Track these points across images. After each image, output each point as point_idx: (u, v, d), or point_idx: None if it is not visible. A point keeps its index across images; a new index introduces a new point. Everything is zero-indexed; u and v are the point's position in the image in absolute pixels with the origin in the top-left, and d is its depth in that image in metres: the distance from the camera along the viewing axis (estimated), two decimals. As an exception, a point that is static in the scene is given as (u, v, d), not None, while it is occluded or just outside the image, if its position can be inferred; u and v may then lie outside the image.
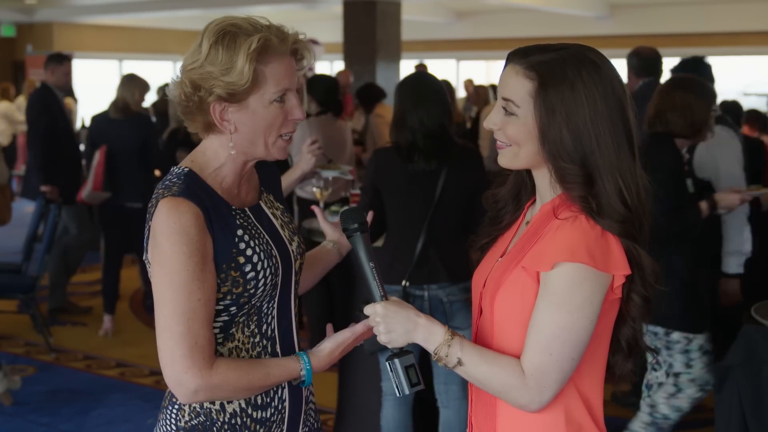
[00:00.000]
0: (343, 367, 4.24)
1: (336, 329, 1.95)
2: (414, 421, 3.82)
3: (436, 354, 1.68)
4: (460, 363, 1.67)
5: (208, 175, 1.82)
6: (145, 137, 6.23)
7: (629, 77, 5.08)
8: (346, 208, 1.88)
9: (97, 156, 6.16)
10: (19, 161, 11.78)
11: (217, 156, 1.83)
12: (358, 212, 1.80)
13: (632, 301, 1.68)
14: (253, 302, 1.82)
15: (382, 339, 1.72)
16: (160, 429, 1.88)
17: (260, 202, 1.92)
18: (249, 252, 1.80)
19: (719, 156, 4.20)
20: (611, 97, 1.64)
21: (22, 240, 6.32)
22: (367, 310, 1.74)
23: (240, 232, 1.80)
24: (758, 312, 3.45)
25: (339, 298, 4.92)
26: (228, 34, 1.74)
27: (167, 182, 1.80)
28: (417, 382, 1.73)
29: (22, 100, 12.96)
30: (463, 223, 3.61)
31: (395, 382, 1.73)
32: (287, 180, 3.49)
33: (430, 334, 1.69)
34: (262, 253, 1.81)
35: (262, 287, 1.81)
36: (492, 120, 1.72)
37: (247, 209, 1.86)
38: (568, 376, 1.64)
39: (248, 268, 1.79)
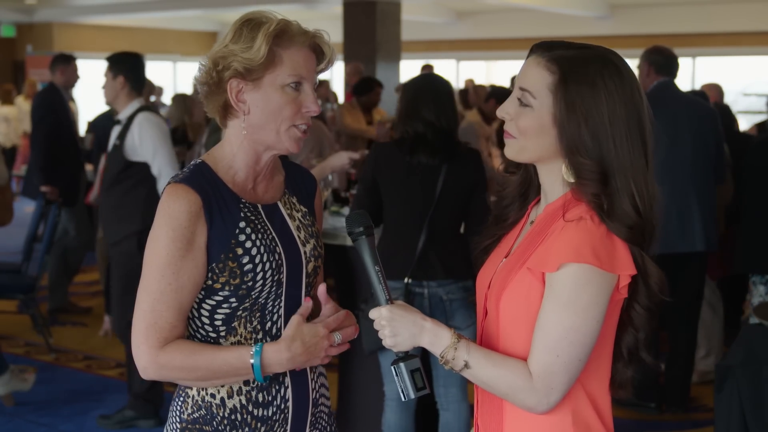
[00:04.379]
0: (344, 367, 4.24)
1: None
2: (416, 425, 3.81)
3: (442, 357, 1.67)
4: (466, 366, 1.66)
5: (221, 168, 1.88)
6: None
7: (647, 73, 4.74)
8: (351, 211, 1.88)
9: (103, 160, 6.14)
10: (18, 162, 11.77)
11: (231, 146, 1.88)
12: (364, 216, 1.80)
13: (635, 311, 1.68)
14: (253, 296, 1.84)
15: (387, 343, 1.71)
16: (168, 420, 1.94)
17: (278, 202, 1.94)
18: (248, 244, 1.83)
19: None
20: (630, 102, 1.64)
21: (22, 240, 6.32)
22: (373, 313, 1.73)
23: (242, 224, 1.84)
24: (758, 312, 3.45)
25: (340, 296, 4.92)
26: (253, 21, 1.84)
27: (180, 172, 1.88)
28: (423, 386, 1.72)
29: (22, 101, 12.94)
30: (461, 220, 3.63)
31: (400, 386, 1.72)
32: (318, 175, 3.90)
33: (436, 338, 1.69)
34: (263, 248, 1.84)
35: (261, 281, 1.83)
36: (505, 109, 1.71)
37: (259, 206, 1.90)
38: (575, 378, 1.64)
39: (246, 260, 1.82)
